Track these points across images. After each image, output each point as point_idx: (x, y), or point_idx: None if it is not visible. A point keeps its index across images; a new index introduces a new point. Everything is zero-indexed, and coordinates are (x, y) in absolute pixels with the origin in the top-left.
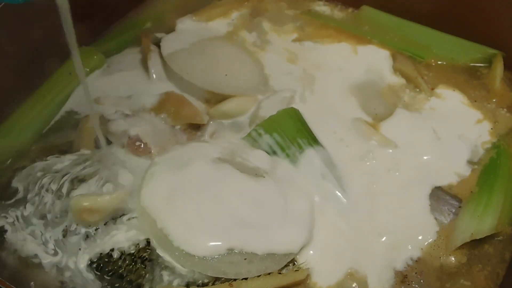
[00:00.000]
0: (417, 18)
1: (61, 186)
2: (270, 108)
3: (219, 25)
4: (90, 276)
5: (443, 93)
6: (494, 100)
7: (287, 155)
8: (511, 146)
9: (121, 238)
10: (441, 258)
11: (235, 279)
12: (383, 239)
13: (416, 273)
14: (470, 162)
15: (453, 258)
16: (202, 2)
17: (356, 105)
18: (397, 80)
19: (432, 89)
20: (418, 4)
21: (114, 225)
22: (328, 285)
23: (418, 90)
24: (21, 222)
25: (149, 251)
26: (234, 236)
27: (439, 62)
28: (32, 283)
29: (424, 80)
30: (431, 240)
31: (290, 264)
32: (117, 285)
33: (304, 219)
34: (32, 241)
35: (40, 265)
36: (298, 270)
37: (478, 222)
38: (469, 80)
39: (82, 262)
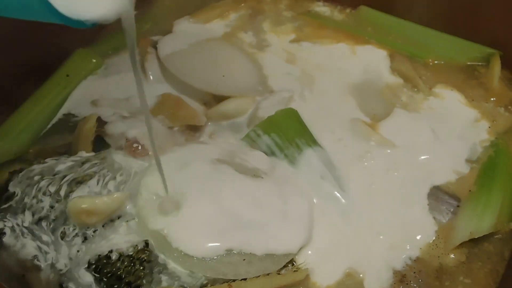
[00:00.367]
0: (415, 18)
1: (59, 189)
2: (268, 108)
3: (217, 26)
4: (89, 278)
5: (441, 93)
6: (492, 99)
7: (286, 156)
8: (509, 144)
9: (120, 240)
10: (440, 257)
11: (234, 280)
12: (382, 239)
13: (414, 272)
14: (468, 161)
15: (452, 257)
16: (199, 3)
17: (354, 105)
18: (395, 80)
19: (430, 88)
20: (416, 4)
21: (112, 227)
22: (327, 285)
23: (416, 89)
24: (19, 224)
25: (148, 252)
26: (233, 236)
27: (437, 62)
28: None
29: (422, 79)
30: (430, 239)
31: (289, 265)
32: (115, 286)
33: (303, 220)
34: (30, 244)
35: (38, 268)
36: (297, 271)
37: (477, 221)
38: (467, 79)
39: (81, 264)
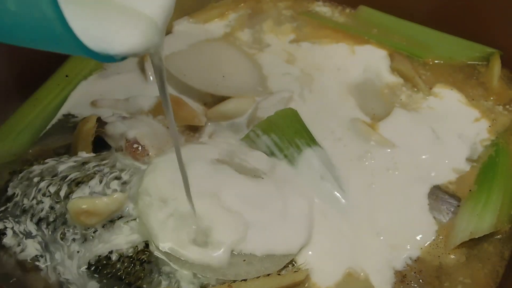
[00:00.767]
0: (414, 18)
1: (59, 189)
2: (268, 109)
3: (216, 26)
4: (89, 278)
5: (441, 92)
6: (492, 98)
7: (285, 156)
8: (509, 143)
9: (120, 241)
10: (440, 257)
11: (234, 281)
12: (382, 239)
13: (415, 272)
14: (468, 161)
15: (452, 257)
16: (198, 3)
17: (354, 105)
18: (395, 80)
19: (430, 88)
20: (416, 3)
21: (112, 228)
22: (327, 286)
23: (416, 89)
24: (19, 225)
25: (148, 253)
26: None
27: (437, 61)
28: None
29: (422, 79)
30: (430, 239)
31: (289, 265)
32: (115, 287)
33: (303, 220)
34: (30, 245)
35: (38, 269)
36: (297, 271)
37: (477, 221)
38: (467, 78)
39: (81, 264)
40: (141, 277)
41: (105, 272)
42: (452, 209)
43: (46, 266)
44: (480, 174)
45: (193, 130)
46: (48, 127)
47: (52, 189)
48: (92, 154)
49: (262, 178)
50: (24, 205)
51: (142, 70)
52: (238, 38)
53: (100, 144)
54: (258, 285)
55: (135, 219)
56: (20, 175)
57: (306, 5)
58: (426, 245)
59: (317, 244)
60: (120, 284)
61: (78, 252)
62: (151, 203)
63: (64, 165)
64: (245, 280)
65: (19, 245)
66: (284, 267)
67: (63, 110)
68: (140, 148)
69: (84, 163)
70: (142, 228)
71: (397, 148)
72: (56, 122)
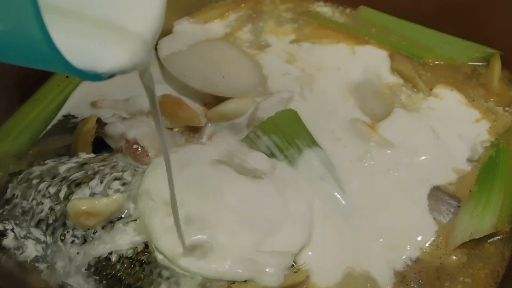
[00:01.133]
0: (415, 18)
1: (59, 190)
2: (268, 109)
3: (217, 26)
4: (89, 280)
5: (441, 93)
6: (492, 99)
7: (286, 157)
8: (510, 144)
9: (119, 242)
10: (441, 258)
11: (234, 282)
12: (382, 239)
13: (415, 273)
14: (469, 161)
15: (452, 258)
16: (199, 3)
17: (354, 106)
18: (395, 80)
19: (430, 89)
20: (416, 4)
21: (112, 229)
22: (327, 286)
23: (416, 90)
24: (18, 227)
25: (148, 254)
26: None
27: (437, 62)
28: None
29: (422, 79)
30: (430, 240)
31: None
32: None
33: (303, 220)
34: (30, 246)
35: (38, 270)
36: (297, 272)
37: (478, 221)
38: (467, 79)
39: (81, 266)
40: (141, 278)
41: (104, 273)
42: (452, 210)
43: (46, 268)
44: (481, 174)
45: (193, 130)
46: (48, 128)
47: (52, 190)
48: (92, 155)
49: (262, 178)
50: (23, 206)
51: None
52: (239, 38)
53: (100, 145)
54: (257, 286)
55: (135, 220)
56: (20, 176)
57: (307, 5)
58: (426, 245)
59: (317, 244)
60: (120, 285)
61: (77, 253)
62: (151, 205)
63: (64, 166)
64: (244, 280)
65: (19, 246)
66: None
67: (63, 111)
68: (140, 149)
69: (84, 163)
70: (142, 229)
71: (397, 149)
72: (56, 122)
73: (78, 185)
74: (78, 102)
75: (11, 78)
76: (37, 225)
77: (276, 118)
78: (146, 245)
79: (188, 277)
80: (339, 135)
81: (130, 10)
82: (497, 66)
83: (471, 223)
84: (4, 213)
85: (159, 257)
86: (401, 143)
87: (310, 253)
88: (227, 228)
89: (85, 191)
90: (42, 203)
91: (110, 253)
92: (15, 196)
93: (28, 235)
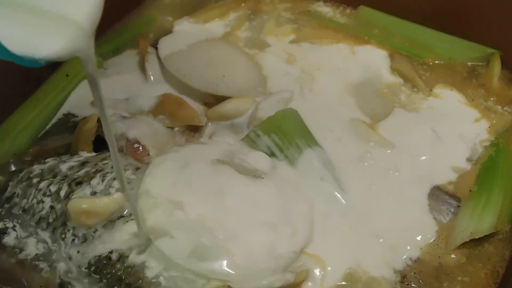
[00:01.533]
0: (415, 18)
1: (60, 189)
2: (268, 109)
3: (216, 26)
4: (89, 279)
5: (441, 93)
6: (492, 98)
7: (286, 156)
8: (510, 144)
9: (120, 240)
10: (441, 257)
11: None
12: (382, 239)
13: (415, 273)
14: (468, 161)
15: (452, 257)
16: (199, 3)
17: (354, 105)
18: (395, 80)
19: (430, 88)
20: (416, 4)
21: (112, 228)
22: (327, 286)
23: (416, 89)
24: (19, 225)
25: (148, 252)
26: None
27: (437, 62)
28: None
29: (422, 79)
30: (430, 239)
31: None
32: (115, 287)
33: (303, 221)
34: (30, 244)
35: (38, 268)
36: (297, 272)
37: (478, 221)
38: (467, 79)
39: (81, 264)
40: (141, 277)
41: (105, 272)
42: (452, 210)
43: (46, 266)
44: (480, 174)
45: (193, 130)
46: (48, 127)
47: (53, 188)
48: (93, 154)
49: (263, 178)
50: (24, 205)
51: (142, 70)
52: (238, 38)
53: (101, 144)
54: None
55: (135, 219)
56: (20, 174)
57: (306, 5)
58: (426, 245)
59: (317, 244)
60: (120, 284)
61: (78, 252)
62: (151, 204)
63: (65, 165)
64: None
65: (19, 245)
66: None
67: (64, 110)
68: (140, 148)
69: (85, 162)
70: (142, 228)
71: (397, 149)
72: (56, 121)
73: (79, 183)
74: (79, 101)
75: (11, 77)
76: (38, 223)
77: (276, 117)
78: (147, 244)
79: (188, 276)
80: (339, 135)
81: None
82: (496, 66)
83: (471, 223)
84: (5, 211)
85: (159, 257)
86: (401, 143)
87: (310, 253)
88: (227, 228)
89: (86, 190)
90: (43, 202)
91: (111, 252)
92: (16, 194)
93: (28, 233)
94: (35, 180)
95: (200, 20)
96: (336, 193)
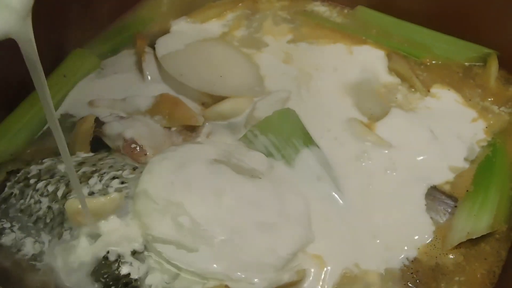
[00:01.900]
0: (412, 18)
1: (57, 189)
2: (265, 109)
3: (214, 26)
4: (86, 278)
5: (438, 93)
6: (489, 99)
7: (283, 156)
8: (506, 144)
9: (117, 240)
10: (437, 257)
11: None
12: (379, 239)
13: (412, 273)
14: (465, 161)
15: (449, 258)
16: (196, 3)
17: (351, 105)
18: (392, 80)
19: (427, 88)
20: (413, 4)
21: (109, 227)
22: (324, 286)
23: (413, 89)
24: (16, 225)
25: (145, 252)
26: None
27: (434, 62)
28: None
29: (419, 79)
30: (427, 240)
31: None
32: (113, 287)
33: (300, 220)
34: (27, 244)
35: (35, 268)
36: (294, 271)
37: (474, 221)
38: (464, 79)
39: (78, 264)
40: (139, 277)
41: (102, 272)
42: (449, 210)
43: (43, 266)
44: (477, 174)
45: (190, 130)
46: (45, 127)
47: (50, 188)
48: (90, 154)
49: (260, 178)
50: (21, 205)
51: (140, 70)
52: (236, 37)
53: (98, 144)
54: (254, 285)
55: (132, 219)
56: (18, 175)
57: (304, 4)
58: (423, 245)
59: (314, 244)
60: (117, 284)
61: (75, 252)
62: (148, 204)
63: (62, 165)
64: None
65: (16, 245)
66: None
67: (61, 110)
68: (138, 148)
69: (82, 162)
70: (139, 228)
71: (394, 149)
72: None
73: None
74: (76, 101)
75: (8, 77)
76: (35, 223)
77: (274, 117)
78: (144, 244)
79: (186, 276)
80: (336, 135)
81: None
82: (493, 66)
83: (467, 223)
84: (2, 212)
85: (158, 257)
86: (398, 143)
87: (307, 252)
88: (224, 228)
89: (83, 190)
90: (40, 202)
91: (108, 252)
92: (13, 194)
93: (25, 234)
94: (32, 181)
95: (198, 20)
96: (333, 193)
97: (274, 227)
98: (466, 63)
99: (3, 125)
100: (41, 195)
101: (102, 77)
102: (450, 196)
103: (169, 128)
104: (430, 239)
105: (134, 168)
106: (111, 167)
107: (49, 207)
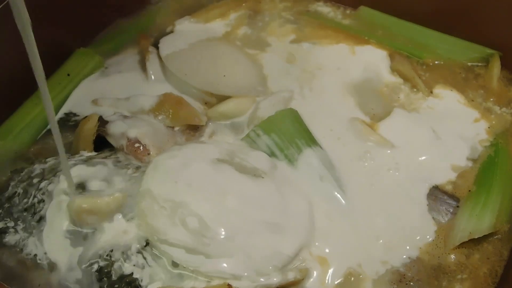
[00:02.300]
0: (414, 18)
1: None
2: (268, 108)
3: (217, 26)
4: (89, 277)
5: (441, 93)
6: (491, 99)
7: (286, 156)
8: (509, 144)
9: (120, 239)
10: (439, 257)
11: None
12: (382, 239)
13: (414, 272)
14: (467, 161)
15: (451, 257)
16: (200, 3)
17: (354, 105)
18: (394, 80)
19: (430, 89)
20: (416, 4)
21: (113, 226)
22: (326, 285)
23: (415, 89)
24: (20, 224)
25: (148, 251)
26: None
27: (437, 62)
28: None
29: (422, 79)
30: (429, 239)
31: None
32: (116, 285)
33: (303, 220)
34: (31, 243)
35: (39, 267)
36: (296, 270)
37: (476, 221)
38: (467, 79)
39: (81, 263)
40: (141, 275)
41: (105, 270)
42: (451, 210)
43: (47, 264)
44: (479, 174)
45: (193, 129)
46: (49, 126)
47: (53, 187)
48: (94, 153)
49: (262, 178)
50: (25, 204)
51: (143, 69)
52: (239, 37)
53: (101, 143)
54: (256, 284)
55: (135, 218)
56: (21, 174)
57: (307, 4)
58: (425, 245)
59: (316, 243)
60: (121, 283)
61: (78, 250)
62: (151, 202)
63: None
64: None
65: (20, 244)
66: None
67: (65, 109)
68: (141, 148)
69: (85, 162)
70: (143, 227)
71: (396, 148)
72: (57, 120)
73: (80, 182)
74: (80, 100)
75: (12, 76)
76: (39, 222)
77: (276, 117)
78: (147, 243)
79: (190, 275)
80: (339, 135)
81: None
82: (496, 66)
83: (470, 223)
84: (6, 210)
85: (160, 255)
86: (401, 143)
87: (309, 252)
88: (227, 228)
89: (85, 189)
90: (43, 201)
91: (111, 251)
92: (17, 194)
93: (29, 232)
94: (35, 180)
95: (201, 19)
96: (336, 193)
97: (277, 227)
98: (468, 64)
99: (7, 124)
100: (44, 194)
101: (106, 76)
102: (452, 196)
103: (173, 127)
104: (432, 239)
105: (137, 167)
106: (113, 166)
107: (52, 206)
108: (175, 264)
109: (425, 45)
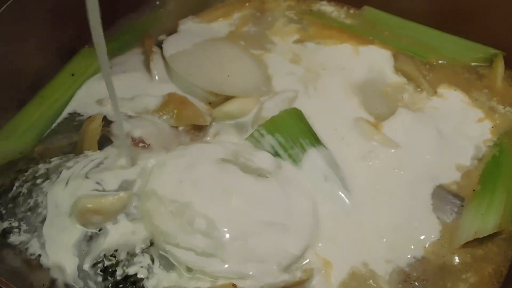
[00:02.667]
0: (418, 19)
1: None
2: (272, 108)
3: (221, 26)
4: (94, 277)
5: (445, 93)
6: (495, 99)
7: (290, 156)
8: None
9: (125, 239)
10: (444, 257)
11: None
12: (386, 238)
13: (419, 272)
14: (472, 160)
15: (456, 257)
16: (204, 3)
17: (358, 105)
18: (398, 80)
19: (434, 88)
20: (420, 4)
21: (117, 226)
22: (331, 285)
23: (419, 89)
24: (24, 223)
25: (153, 251)
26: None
27: (441, 62)
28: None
29: (426, 79)
30: (434, 239)
31: (294, 264)
32: (121, 285)
33: (307, 220)
34: (35, 243)
35: (43, 266)
36: (301, 270)
37: (481, 221)
38: (471, 79)
39: (86, 262)
40: (146, 275)
41: (110, 270)
42: (456, 209)
43: (51, 264)
44: (484, 174)
45: (197, 129)
46: (53, 126)
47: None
48: (97, 152)
49: (267, 177)
50: (29, 204)
51: (147, 69)
52: (243, 37)
53: (106, 143)
54: (261, 285)
55: (140, 218)
56: (26, 174)
57: (310, 4)
58: (430, 245)
59: (322, 243)
60: (125, 282)
61: (83, 250)
62: (156, 203)
63: (70, 164)
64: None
65: (25, 243)
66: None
67: (69, 109)
68: (146, 147)
69: (89, 161)
70: (148, 227)
71: (401, 148)
72: (62, 120)
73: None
74: (84, 100)
75: (17, 76)
76: (43, 222)
77: (281, 117)
78: (151, 243)
79: (195, 275)
80: (343, 134)
81: None
82: (500, 66)
83: (474, 222)
84: (10, 210)
85: (165, 255)
86: (405, 142)
87: (314, 252)
88: (233, 227)
89: (90, 188)
90: (48, 200)
91: (116, 250)
92: (21, 193)
93: (33, 232)
94: (40, 180)
95: (205, 19)
96: (340, 192)
97: (282, 227)
98: (472, 64)
99: (12, 124)
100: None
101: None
102: (456, 196)
103: (177, 127)
104: (437, 239)
105: (142, 167)
106: (118, 166)
107: (57, 206)
108: (181, 265)
109: (429, 45)
